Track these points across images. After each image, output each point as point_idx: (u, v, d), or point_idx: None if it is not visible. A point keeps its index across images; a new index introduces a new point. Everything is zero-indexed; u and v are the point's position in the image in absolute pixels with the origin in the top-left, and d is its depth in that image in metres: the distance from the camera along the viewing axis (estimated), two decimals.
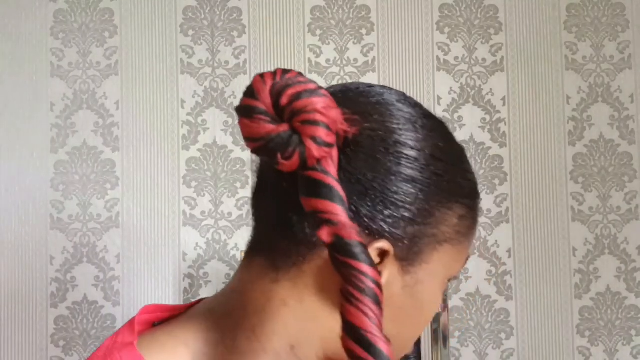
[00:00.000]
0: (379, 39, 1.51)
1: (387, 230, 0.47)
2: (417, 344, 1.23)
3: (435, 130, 0.50)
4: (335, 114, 0.41)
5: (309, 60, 1.50)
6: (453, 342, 1.46)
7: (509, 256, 1.49)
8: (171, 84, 1.48)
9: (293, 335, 0.50)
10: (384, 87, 0.53)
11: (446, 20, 1.51)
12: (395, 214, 0.47)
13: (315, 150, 0.41)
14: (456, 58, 1.51)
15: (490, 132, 1.50)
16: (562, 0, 1.52)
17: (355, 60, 1.50)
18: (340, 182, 0.43)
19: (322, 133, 0.41)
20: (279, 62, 1.49)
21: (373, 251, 0.47)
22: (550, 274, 1.49)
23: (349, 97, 0.50)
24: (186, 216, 1.45)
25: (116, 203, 1.45)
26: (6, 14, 1.48)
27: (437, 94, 1.50)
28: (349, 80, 1.50)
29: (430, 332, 1.30)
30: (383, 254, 0.47)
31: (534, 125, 1.51)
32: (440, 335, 1.29)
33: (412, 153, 0.48)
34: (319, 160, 0.41)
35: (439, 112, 1.50)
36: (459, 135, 1.49)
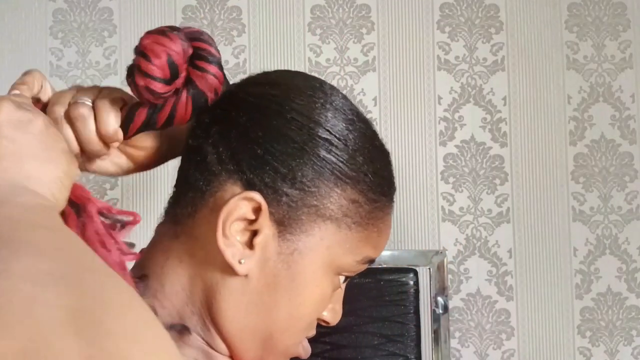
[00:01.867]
0: (379, 38, 1.50)
1: (264, 184, 0.49)
2: (418, 344, 1.22)
3: (341, 112, 0.52)
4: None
5: (309, 59, 1.49)
6: (453, 342, 1.46)
7: (510, 256, 1.48)
8: None
9: (189, 293, 0.52)
10: (318, 78, 0.56)
11: (447, 20, 1.51)
12: (274, 171, 0.49)
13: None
14: (457, 57, 1.50)
15: (491, 132, 1.50)
16: (562, 0, 1.52)
17: (356, 59, 1.50)
18: (234, 137, 0.49)
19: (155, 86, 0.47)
20: (279, 61, 1.49)
21: (246, 202, 0.49)
22: (551, 274, 1.48)
23: (269, 73, 0.56)
24: None
25: (115, 203, 1.45)
26: (5, 13, 1.47)
27: (437, 94, 1.50)
28: (350, 80, 1.49)
29: (430, 333, 1.30)
30: (257, 210, 0.49)
31: (534, 125, 1.50)
32: (440, 336, 1.28)
33: (305, 121, 0.50)
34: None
35: (439, 111, 1.49)
36: (460, 135, 1.49)
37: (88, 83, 1.47)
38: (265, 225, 0.49)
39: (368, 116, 1.49)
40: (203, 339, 0.53)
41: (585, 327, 1.48)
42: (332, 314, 0.57)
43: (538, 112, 1.50)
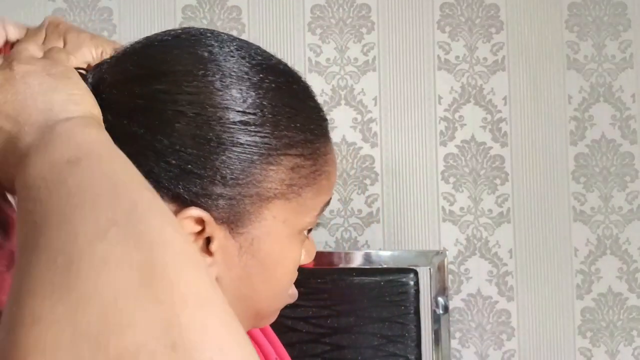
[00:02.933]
0: (380, 38, 1.50)
1: (194, 194, 0.45)
2: (418, 345, 1.22)
3: (245, 79, 0.46)
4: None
5: (309, 59, 1.49)
6: (454, 343, 1.46)
7: (510, 257, 1.48)
8: None
9: None
10: (197, 38, 0.48)
11: (447, 19, 1.51)
12: (199, 178, 0.45)
13: None
14: (457, 57, 1.50)
15: (491, 132, 1.49)
16: (563, 0, 1.52)
17: (356, 59, 1.49)
18: (137, 153, 0.42)
19: None
20: None
21: (187, 220, 0.45)
22: (551, 274, 1.48)
23: (140, 52, 0.47)
24: None
25: None
26: (5, 13, 1.47)
27: (438, 94, 1.49)
28: (350, 80, 1.49)
29: (431, 333, 1.29)
30: (201, 221, 0.45)
31: (535, 125, 1.50)
32: (441, 336, 1.28)
33: (211, 111, 0.44)
34: None
35: (439, 111, 1.49)
36: (460, 135, 1.48)
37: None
38: (215, 230, 0.46)
39: (368, 116, 1.49)
40: None
41: (585, 328, 1.48)
42: (308, 256, 0.55)
43: (538, 112, 1.50)
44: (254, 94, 0.46)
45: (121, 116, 0.45)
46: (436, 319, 1.28)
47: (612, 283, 1.49)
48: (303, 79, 0.51)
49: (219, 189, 0.45)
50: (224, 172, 0.45)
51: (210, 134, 0.44)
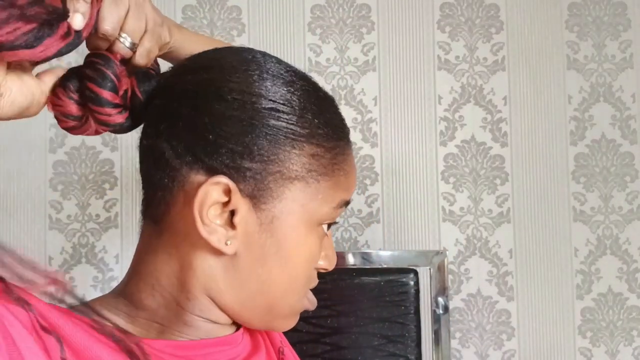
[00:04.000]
0: (380, 38, 1.50)
1: (225, 165, 0.51)
2: (418, 345, 1.22)
3: (279, 77, 0.54)
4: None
5: (309, 59, 1.49)
6: (454, 343, 1.46)
7: (510, 257, 1.48)
8: None
9: (184, 282, 0.54)
10: (247, 49, 0.57)
11: (447, 19, 1.51)
12: (230, 152, 0.51)
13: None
14: (457, 57, 1.50)
15: (491, 132, 1.49)
16: (563, 0, 1.52)
17: (356, 59, 1.49)
18: (183, 129, 0.51)
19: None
20: None
21: (216, 187, 0.51)
22: (551, 274, 1.48)
23: (199, 56, 0.57)
24: None
25: (115, 203, 1.45)
26: None
27: (438, 94, 1.49)
28: (350, 80, 1.49)
29: (431, 333, 1.29)
30: (228, 191, 0.51)
31: (535, 125, 1.50)
32: (441, 336, 1.28)
33: (246, 97, 0.51)
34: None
35: (439, 111, 1.49)
36: (460, 135, 1.48)
37: None
38: (239, 202, 0.51)
39: (368, 116, 1.49)
40: (202, 317, 0.56)
41: (585, 328, 1.48)
42: (327, 261, 0.59)
43: (538, 112, 1.50)
44: (285, 89, 0.53)
45: (173, 99, 0.52)
46: (436, 319, 1.28)
47: (612, 283, 1.49)
48: (331, 95, 0.58)
49: (247, 163, 0.51)
50: (253, 148, 0.51)
51: (244, 116, 0.51)
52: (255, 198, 0.52)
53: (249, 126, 0.51)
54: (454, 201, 1.48)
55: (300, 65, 1.48)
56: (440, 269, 1.28)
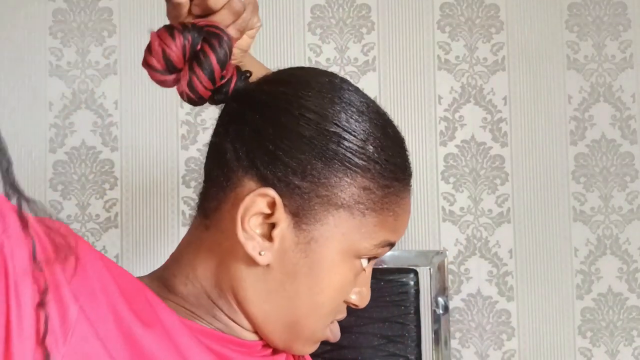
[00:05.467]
0: (380, 38, 1.50)
1: (277, 178, 0.52)
2: (418, 345, 1.22)
3: (351, 105, 0.54)
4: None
5: (309, 59, 1.49)
6: (454, 343, 1.46)
7: (510, 257, 1.48)
8: None
9: (218, 279, 0.55)
10: (330, 73, 0.59)
11: (447, 19, 1.51)
12: (285, 166, 0.52)
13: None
14: (457, 57, 1.50)
15: (491, 132, 1.49)
16: (563, 0, 1.52)
17: (356, 59, 1.49)
18: (248, 134, 0.52)
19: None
20: (279, 61, 1.48)
21: (262, 199, 0.52)
22: (551, 274, 1.48)
23: (284, 70, 0.58)
24: (185, 216, 1.44)
25: (115, 203, 1.45)
26: (4, 13, 1.47)
27: (438, 94, 1.49)
28: (350, 80, 1.49)
29: (431, 333, 1.29)
30: (273, 205, 0.52)
31: (535, 125, 1.50)
32: (441, 336, 1.28)
33: (313, 117, 0.52)
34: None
35: (439, 111, 1.49)
36: (460, 135, 1.49)
37: (87, 83, 1.47)
38: (282, 217, 0.52)
39: None
40: (228, 316, 0.57)
41: (585, 328, 1.48)
42: (359, 297, 0.59)
43: (538, 112, 1.50)
44: (353, 118, 0.54)
45: (246, 105, 0.54)
46: (436, 319, 1.28)
47: (612, 283, 1.49)
48: (402, 135, 0.59)
49: (297, 181, 0.52)
50: (306, 167, 0.52)
51: (306, 133, 0.52)
52: (298, 217, 0.52)
53: (308, 144, 0.52)
54: (454, 201, 1.48)
55: (300, 65, 1.48)
56: (440, 269, 1.28)
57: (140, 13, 1.49)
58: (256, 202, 0.52)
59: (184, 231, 1.53)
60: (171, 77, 0.52)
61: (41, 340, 0.39)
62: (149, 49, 0.52)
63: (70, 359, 0.42)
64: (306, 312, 0.55)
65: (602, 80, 1.51)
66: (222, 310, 0.56)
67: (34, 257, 0.40)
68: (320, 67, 1.49)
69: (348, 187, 0.53)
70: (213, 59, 0.51)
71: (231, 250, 0.54)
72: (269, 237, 0.53)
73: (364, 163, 0.53)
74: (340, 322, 0.61)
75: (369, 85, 1.49)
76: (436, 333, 1.28)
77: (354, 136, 0.53)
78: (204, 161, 0.60)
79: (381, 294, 1.19)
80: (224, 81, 0.54)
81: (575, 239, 1.49)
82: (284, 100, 0.54)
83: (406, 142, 0.63)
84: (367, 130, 0.54)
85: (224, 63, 0.52)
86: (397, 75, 1.49)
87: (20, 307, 0.39)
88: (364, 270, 0.58)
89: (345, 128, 0.53)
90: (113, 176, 1.45)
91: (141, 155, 1.45)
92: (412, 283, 1.21)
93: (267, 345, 0.61)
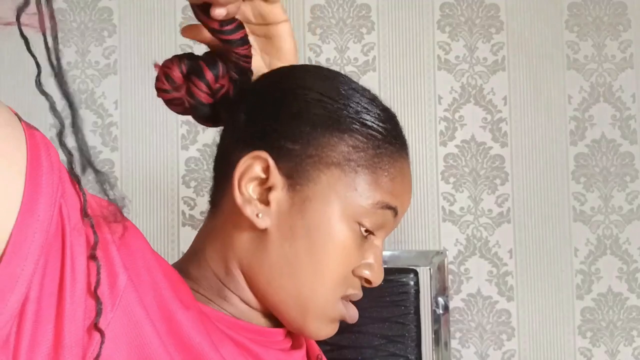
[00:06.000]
0: (380, 38, 1.50)
1: (269, 146, 0.55)
2: (418, 345, 1.22)
3: (332, 78, 0.59)
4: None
5: (309, 59, 1.49)
6: (454, 343, 1.46)
7: (510, 257, 1.48)
8: None
9: (229, 262, 0.57)
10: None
11: (447, 19, 1.51)
12: (276, 132, 0.55)
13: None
14: (457, 57, 1.50)
15: (491, 132, 1.49)
16: (563, 0, 1.52)
17: (356, 59, 1.49)
18: (241, 118, 0.57)
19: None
20: None
21: (257, 162, 0.54)
22: (551, 274, 1.48)
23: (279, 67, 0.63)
24: (185, 216, 1.44)
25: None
26: (5, 14, 1.47)
27: (438, 94, 1.49)
28: None
29: (431, 333, 1.29)
30: (267, 169, 0.54)
31: (535, 125, 1.50)
32: (441, 336, 1.28)
33: (300, 91, 0.57)
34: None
35: (439, 111, 1.49)
36: (460, 135, 1.49)
37: (87, 83, 1.47)
38: (276, 180, 0.54)
39: None
40: (237, 295, 0.58)
41: (585, 328, 1.48)
42: (372, 271, 0.58)
43: (538, 112, 1.50)
44: (335, 86, 0.58)
45: (239, 97, 0.58)
46: (436, 319, 1.28)
47: (612, 283, 1.49)
48: (393, 111, 0.62)
49: (289, 145, 0.54)
50: (296, 131, 0.55)
51: (293, 104, 0.56)
52: (292, 178, 0.54)
53: (297, 112, 0.55)
54: (454, 201, 1.48)
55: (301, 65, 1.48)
56: (440, 269, 1.28)
57: (140, 13, 1.49)
58: (251, 166, 0.54)
59: (184, 231, 1.54)
60: (177, 94, 0.58)
61: (93, 291, 0.41)
62: (157, 77, 0.58)
63: (116, 324, 0.43)
64: (309, 280, 0.55)
65: (602, 80, 1.51)
66: (231, 290, 0.57)
67: (85, 213, 0.43)
68: None
69: (337, 145, 0.55)
70: (207, 71, 0.57)
71: (233, 224, 0.56)
72: (266, 202, 0.55)
73: (350, 123, 0.56)
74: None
75: (369, 85, 1.48)
76: (436, 333, 1.28)
77: (336, 100, 0.56)
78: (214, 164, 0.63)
79: (381, 294, 1.19)
80: (222, 91, 0.58)
81: (575, 239, 1.49)
82: (272, 82, 0.59)
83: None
84: (354, 98, 0.58)
85: (217, 75, 0.57)
86: (397, 75, 1.49)
87: (73, 259, 0.41)
88: (367, 238, 0.57)
89: (327, 94, 0.57)
90: (113, 176, 1.45)
91: (141, 155, 1.45)
92: (412, 283, 1.21)
93: (289, 334, 0.61)
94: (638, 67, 1.52)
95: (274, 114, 0.56)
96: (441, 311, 1.28)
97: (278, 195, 0.54)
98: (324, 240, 0.54)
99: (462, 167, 1.48)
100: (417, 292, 1.22)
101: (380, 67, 1.49)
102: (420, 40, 1.50)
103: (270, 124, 0.56)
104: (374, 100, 0.60)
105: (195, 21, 0.57)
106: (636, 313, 1.49)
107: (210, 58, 0.58)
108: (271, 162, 0.54)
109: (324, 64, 1.49)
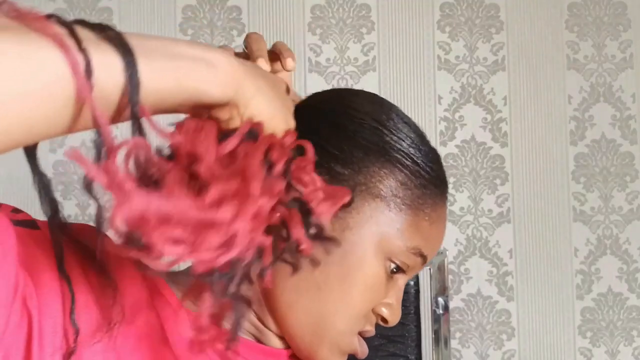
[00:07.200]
0: (380, 38, 1.50)
1: (318, 164, 0.51)
2: (418, 344, 1.22)
3: (389, 107, 0.58)
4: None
5: (309, 59, 1.49)
6: (454, 343, 1.46)
7: (510, 257, 1.48)
8: None
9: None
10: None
11: (447, 19, 1.51)
12: (327, 154, 0.53)
13: None
14: (457, 57, 1.50)
15: (491, 132, 1.49)
16: (563, 0, 1.52)
17: (356, 59, 1.49)
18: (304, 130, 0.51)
19: None
20: None
21: None
22: (551, 274, 1.48)
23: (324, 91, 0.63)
24: None
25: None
26: None
27: (438, 94, 1.49)
28: (350, 80, 1.49)
29: (431, 333, 1.29)
30: None
31: (535, 125, 1.50)
32: (441, 336, 1.28)
33: (357, 114, 0.56)
34: None
35: (439, 111, 1.49)
36: (460, 135, 1.49)
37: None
38: None
39: None
40: (257, 316, 0.56)
41: (585, 328, 1.48)
42: (390, 311, 0.57)
43: (539, 112, 1.50)
44: (391, 116, 0.56)
45: (303, 113, 0.53)
46: (436, 319, 1.28)
47: (612, 283, 1.49)
48: (439, 153, 0.61)
49: (338, 168, 0.53)
50: (347, 156, 0.54)
51: (349, 127, 0.55)
52: None
53: (352, 136, 0.54)
54: (453, 201, 1.48)
55: (300, 65, 1.48)
56: (440, 268, 1.28)
57: (141, 13, 1.49)
58: None
59: None
60: None
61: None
62: None
63: None
64: (335, 308, 0.53)
65: (602, 80, 1.51)
66: (253, 308, 0.56)
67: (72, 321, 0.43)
68: (320, 67, 1.49)
69: (386, 179, 0.54)
70: None
71: None
72: None
73: (401, 158, 0.54)
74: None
75: (369, 85, 1.49)
76: (436, 333, 1.28)
77: (393, 133, 0.55)
78: None
79: None
80: None
81: (575, 239, 1.49)
82: (327, 102, 0.58)
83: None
84: (405, 131, 0.56)
85: None
86: (397, 75, 1.49)
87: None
88: (393, 277, 0.56)
89: (386, 125, 0.55)
90: None
91: None
92: (412, 283, 1.21)
93: (293, 357, 0.59)
94: (638, 67, 1.52)
95: (326, 133, 0.55)
96: (441, 311, 1.28)
97: None
98: (356, 271, 0.53)
99: (462, 167, 1.48)
100: (417, 292, 1.22)
101: (380, 67, 1.49)
102: (420, 40, 1.50)
103: (321, 143, 0.53)
104: (424, 137, 0.58)
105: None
106: (636, 313, 1.49)
107: None
108: None
109: (324, 64, 1.49)
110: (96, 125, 0.33)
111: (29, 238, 0.45)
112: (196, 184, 0.36)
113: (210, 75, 0.38)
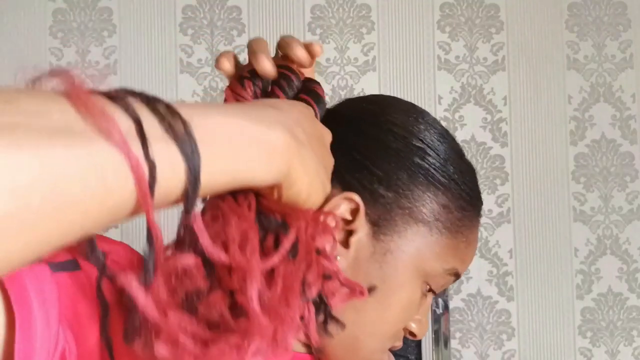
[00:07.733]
0: (380, 38, 1.50)
1: (361, 185, 0.52)
2: (418, 345, 1.22)
3: (433, 127, 0.56)
4: None
5: None
6: (454, 343, 1.46)
7: (510, 257, 1.48)
8: (170, 84, 1.47)
9: None
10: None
11: (447, 19, 1.51)
12: (370, 174, 0.52)
13: None
14: (457, 57, 1.50)
15: (491, 132, 1.49)
16: (563, 0, 1.52)
17: (356, 59, 1.49)
18: (334, 146, 0.49)
19: None
20: None
21: (345, 203, 0.51)
22: (551, 274, 1.48)
23: (366, 95, 0.62)
24: None
25: None
26: (5, 13, 1.47)
27: (438, 94, 1.49)
28: (350, 80, 1.49)
29: (431, 333, 1.29)
30: (355, 211, 0.52)
31: (535, 125, 1.50)
32: (441, 336, 1.28)
33: (400, 131, 0.54)
34: None
35: (439, 111, 1.49)
36: (460, 135, 1.49)
37: (87, 83, 1.47)
38: (361, 225, 0.52)
39: None
40: None
41: (586, 328, 1.48)
42: (419, 326, 0.57)
43: (538, 112, 1.50)
44: (436, 137, 0.55)
45: (331, 121, 0.52)
46: (436, 318, 1.28)
47: (612, 283, 1.49)
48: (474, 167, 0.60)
49: (382, 190, 0.52)
50: (392, 177, 0.52)
51: (393, 145, 0.53)
52: (378, 226, 0.52)
53: (395, 156, 0.53)
54: None
55: None
56: None
57: (140, 13, 1.49)
58: (340, 206, 0.51)
59: None
60: None
61: None
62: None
63: None
64: (370, 329, 0.53)
65: (602, 80, 1.51)
66: None
67: None
68: (320, 67, 1.49)
69: (430, 202, 0.53)
70: (281, 96, 0.51)
71: None
72: (345, 244, 0.52)
73: (445, 181, 0.54)
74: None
75: (369, 85, 1.49)
76: (436, 333, 1.28)
77: (437, 154, 0.54)
78: None
79: None
80: None
81: (576, 239, 1.49)
82: (370, 114, 0.56)
83: None
84: (448, 151, 0.55)
85: (294, 96, 0.52)
86: (397, 75, 1.49)
87: None
88: (426, 296, 0.57)
89: (430, 145, 0.54)
90: None
91: None
92: None
93: None
94: (638, 67, 1.52)
95: (369, 146, 0.53)
96: (441, 311, 1.28)
97: (360, 240, 0.52)
98: (394, 295, 0.53)
99: None
100: None
101: (380, 67, 1.49)
102: (420, 40, 1.50)
103: (365, 158, 0.53)
104: (462, 154, 0.58)
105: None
106: (636, 313, 1.49)
107: (284, 76, 0.53)
108: (362, 206, 0.51)
109: (324, 64, 1.49)
110: (149, 240, 0.33)
111: (71, 284, 0.41)
112: (234, 302, 0.36)
113: (267, 164, 0.36)
